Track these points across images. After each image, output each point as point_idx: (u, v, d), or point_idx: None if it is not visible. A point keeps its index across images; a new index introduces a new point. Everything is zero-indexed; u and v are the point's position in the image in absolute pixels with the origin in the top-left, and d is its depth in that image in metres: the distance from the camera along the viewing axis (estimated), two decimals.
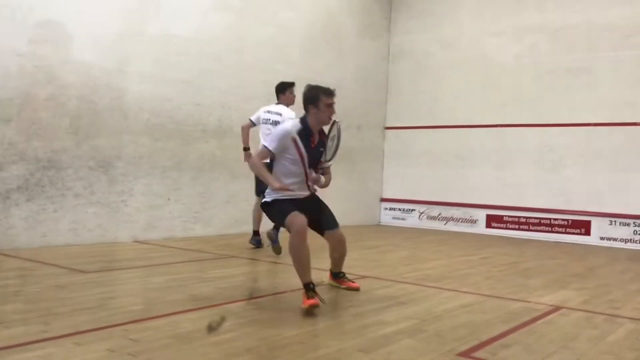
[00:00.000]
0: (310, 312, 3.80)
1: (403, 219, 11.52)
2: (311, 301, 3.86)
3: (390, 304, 4.32)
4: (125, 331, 3.28)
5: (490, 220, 10.54)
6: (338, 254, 4.65)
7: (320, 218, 4.41)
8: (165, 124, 7.68)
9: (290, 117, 5.90)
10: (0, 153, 6.11)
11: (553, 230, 9.92)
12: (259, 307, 4.12)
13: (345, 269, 4.83)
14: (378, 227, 11.29)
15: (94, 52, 6.88)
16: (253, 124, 6.67)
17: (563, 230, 9.83)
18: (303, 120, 4.30)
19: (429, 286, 5.09)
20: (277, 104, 6.66)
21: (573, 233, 9.73)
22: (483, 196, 10.59)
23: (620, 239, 9.32)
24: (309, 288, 3.97)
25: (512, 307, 4.39)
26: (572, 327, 3.88)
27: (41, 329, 3.27)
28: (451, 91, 11.06)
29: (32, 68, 6.34)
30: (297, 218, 4.04)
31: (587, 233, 9.60)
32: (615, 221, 9.37)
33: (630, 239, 9.24)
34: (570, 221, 9.77)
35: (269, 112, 6.58)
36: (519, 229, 10.23)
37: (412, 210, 11.42)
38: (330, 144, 4.32)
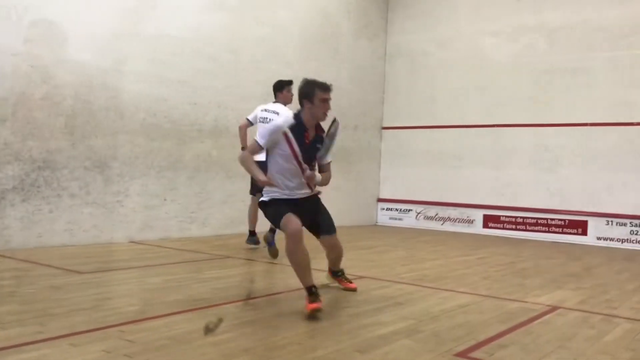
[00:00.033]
0: (312, 316, 3.74)
1: (400, 219, 11.52)
2: (314, 305, 3.78)
3: (387, 304, 4.31)
4: (121, 332, 3.27)
5: (487, 221, 10.55)
6: (334, 255, 4.61)
7: (317, 222, 4.32)
8: (161, 124, 7.66)
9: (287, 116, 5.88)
10: None
11: (550, 230, 9.94)
12: (256, 307, 4.10)
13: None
14: (375, 228, 11.28)
15: (89, 51, 6.85)
16: (250, 124, 6.65)
17: (560, 230, 9.85)
18: (297, 115, 4.20)
19: (426, 286, 5.09)
20: (275, 102, 6.64)
21: (570, 233, 9.75)
22: (480, 196, 10.61)
23: (617, 239, 9.34)
24: (311, 292, 3.88)
25: (509, 307, 4.38)
26: (569, 327, 3.88)
27: (36, 329, 3.25)
28: (448, 91, 11.07)
29: (27, 67, 6.31)
30: (291, 222, 3.94)
31: (584, 233, 9.62)
32: (612, 221, 9.39)
33: (627, 239, 9.26)
34: (567, 221, 9.78)
35: (266, 110, 6.56)
36: (515, 229, 10.24)
37: (409, 210, 11.42)
38: (328, 142, 4.18)
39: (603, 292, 5.24)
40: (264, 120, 6.46)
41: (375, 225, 11.68)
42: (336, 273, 4.76)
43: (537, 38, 10.19)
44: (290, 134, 4.08)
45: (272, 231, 6.27)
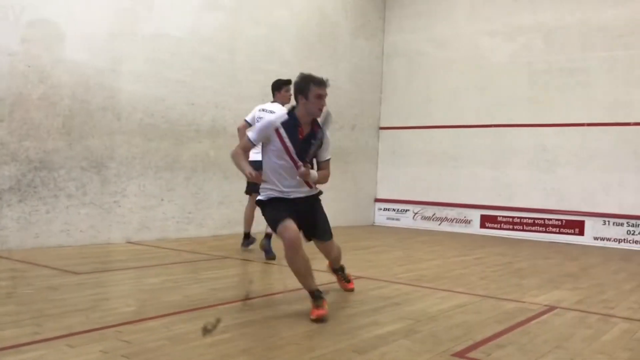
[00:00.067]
0: (316, 320, 3.68)
1: (397, 219, 11.53)
2: (320, 312, 3.72)
3: (384, 304, 4.31)
4: (118, 333, 3.26)
5: (485, 221, 10.56)
6: (330, 258, 4.56)
7: (313, 226, 4.18)
8: (158, 124, 7.65)
9: None
10: None
11: (547, 230, 9.95)
12: (254, 308, 4.10)
13: None
14: (372, 228, 11.29)
15: (86, 51, 6.84)
16: (249, 125, 6.63)
17: (557, 230, 9.86)
18: (291, 111, 4.07)
19: (423, 287, 5.09)
20: (273, 102, 6.63)
21: (567, 233, 9.76)
22: (477, 196, 10.62)
23: (614, 239, 9.36)
24: (316, 296, 3.83)
25: (506, 307, 4.39)
26: (566, 327, 3.88)
27: (33, 330, 3.24)
28: (446, 91, 11.08)
29: (24, 68, 6.29)
30: (288, 230, 3.83)
31: (581, 233, 9.64)
32: (609, 221, 9.41)
33: (624, 239, 9.28)
34: (564, 221, 9.80)
35: (263, 110, 6.55)
36: (513, 229, 10.25)
37: (406, 210, 11.43)
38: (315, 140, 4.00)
39: (600, 292, 5.25)
40: (261, 120, 6.45)
41: (373, 225, 11.68)
42: (336, 270, 4.72)
43: (534, 38, 10.20)
44: (282, 130, 3.96)
45: (267, 237, 6.24)
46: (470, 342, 3.36)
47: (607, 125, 9.47)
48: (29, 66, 6.33)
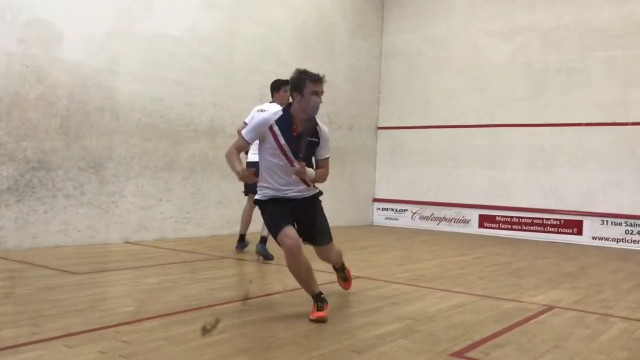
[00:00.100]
0: (315, 321, 3.69)
1: (395, 219, 11.53)
2: (320, 314, 3.70)
3: (383, 304, 4.31)
4: (116, 333, 3.25)
5: (483, 220, 10.57)
6: (330, 262, 4.47)
7: (311, 227, 4.05)
8: (156, 124, 7.64)
9: None
10: None
11: (545, 230, 9.96)
12: (253, 308, 4.09)
13: None
14: (370, 228, 11.29)
15: (84, 51, 6.83)
16: None
17: (555, 230, 9.87)
18: (286, 108, 3.96)
19: (421, 286, 5.09)
20: (271, 102, 6.62)
21: (565, 233, 9.77)
22: (475, 196, 10.62)
23: (612, 239, 9.37)
24: (318, 298, 3.81)
25: (504, 307, 4.39)
26: (564, 327, 3.88)
27: (31, 331, 3.24)
28: (443, 91, 11.09)
29: (21, 68, 6.28)
30: (288, 237, 3.73)
31: (579, 233, 9.65)
32: (607, 221, 9.42)
33: (622, 239, 9.29)
34: (562, 221, 9.81)
35: (261, 111, 6.52)
36: (511, 229, 10.26)
37: (405, 210, 11.43)
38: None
39: (598, 291, 5.25)
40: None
41: (371, 225, 11.68)
42: (337, 269, 4.61)
43: (532, 38, 10.21)
44: (276, 128, 3.85)
45: (262, 241, 6.23)
46: (469, 342, 3.36)
47: (605, 125, 9.48)
48: (27, 66, 6.32)
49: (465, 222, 10.74)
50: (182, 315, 3.73)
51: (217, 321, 3.40)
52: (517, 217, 10.22)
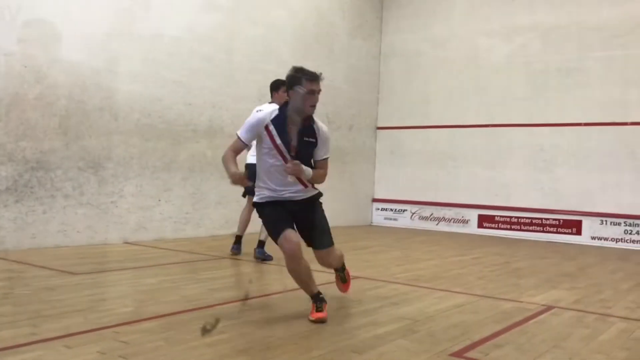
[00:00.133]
0: (315, 321, 3.69)
1: (395, 219, 11.53)
2: (319, 315, 3.69)
3: (382, 304, 4.31)
4: (116, 333, 3.25)
5: (482, 221, 10.57)
6: (330, 267, 4.33)
7: (310, 231, 3.95)
8: (155, 124, 7.64)
9: None
10: None
11: (544, 230, 9.96)
12: (252, 308, 4.09)
13: None
14: (370, 228, 11.29)
15: (83, 51, 6.83)
16: None
17: (554, 230, 9.87)
18: (282, 107, 3.85)
19: (421, 286, 5.09)
20: (270, 102, 6.61)
21: (564, 233, 9.77)
22: (475, 196, 10.62)
23: (611, 239, 9.37)
24: (317, 299, 3.79)
25: (504, 307, 4.39)
26: (563, 327, 3.89)
27: (31, 331, 3.23)
28: (443, 91, 11.09)
29: (20, 68, 6.28)
30: (288, 241, 3.67)
31: (578, 233, 9.65)
32: (606, 221, 9.42)
33: (621, 239, 9.30)
34: (561, 221, 9.81)
35: (260, 111, 6.52)
36: (510, 229, 10.26)
37: (404, 210, 11.43)
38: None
39: (597, 291, 5.25)
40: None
41: (370, 225, 11.68)
42: (336, 269, 4.48)
43: (531, 38, 10.21)
44: (272, 127, 3.76)
45: (260, 246, 6.22)
46: (468, 342, 3.36)
47: (604, 125, 9.48)
48: (26, 66, 6.32)
49: (465, 222, 10.74)
50: (182, 316, 3.73)
51: (217, 321, 3.40)
52: (516, 217, 10.23)
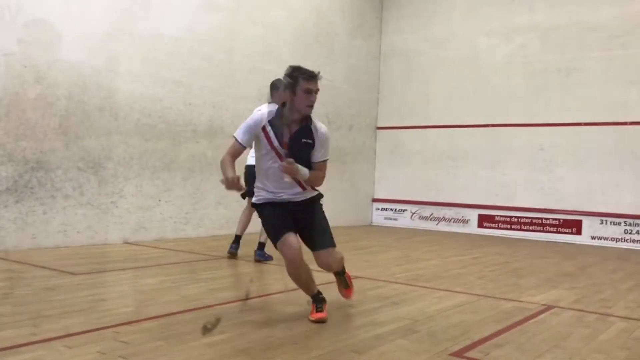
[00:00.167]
0: (315, 321, 3.69)
1: (395, 219, 11.53)
2: (319, 315, 3.69)
3: (382, 304, 4.31)
4: (116, 333, 3.25)
5: (482, 220, 10.57)
6: (330, 271, 4.17)
7: (310, 232, 3.85)
8: (155, 124, 7.64)
9: None
10: None
11: (544, 229, 9.96)
12: (252, 308, 4.09)
13: None
14: (370, 228, 11.29)
15: (83, 51, 6.83)
16: None
17: (554, 230, 9.87)
18: (280, 107, 3.78)
19: (421, 286, 5.09)
20: (270, 103, 6.60)
21: (564, 232, 9.77)
22: (475, 196, 10.63)
23: (611, 238, 9.37)
24: (317, 299, 3.79)
25: (504, 307, 4.39)
26: (563, 326, 3.88)
27: (31, 331, 3.23)
28: (443, 91, 11.09)
29: (20, 68, 6.28)
30: (288, 246, 3.61)
31: (579, 232, 9.65)
32: (606, 220, 9.42)
33: (621, 238, 9.30)
34: (561, 221, 9.81)
35: (260, 111, 6.52)
36: (510, 229, 10.26)
37: (404, 210, 11.43)
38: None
39: (598, 291, 5.25)
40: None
41: (370, 225, 11.68)
42: (337, 272, 4.37)
43: (531, 38, 10.21)
44: (269, 128, 3.68)
45: (260, 248, 6.21)
46: (468, 342, 3.36)
47: (604, 125, 9.48)
48: (25, 66, 6.32)
49: (465, 222, 10.75)
50: (182, 316, 3.73)
51: (218, 320, 3.40)
52: (516, 217, 10.23)
